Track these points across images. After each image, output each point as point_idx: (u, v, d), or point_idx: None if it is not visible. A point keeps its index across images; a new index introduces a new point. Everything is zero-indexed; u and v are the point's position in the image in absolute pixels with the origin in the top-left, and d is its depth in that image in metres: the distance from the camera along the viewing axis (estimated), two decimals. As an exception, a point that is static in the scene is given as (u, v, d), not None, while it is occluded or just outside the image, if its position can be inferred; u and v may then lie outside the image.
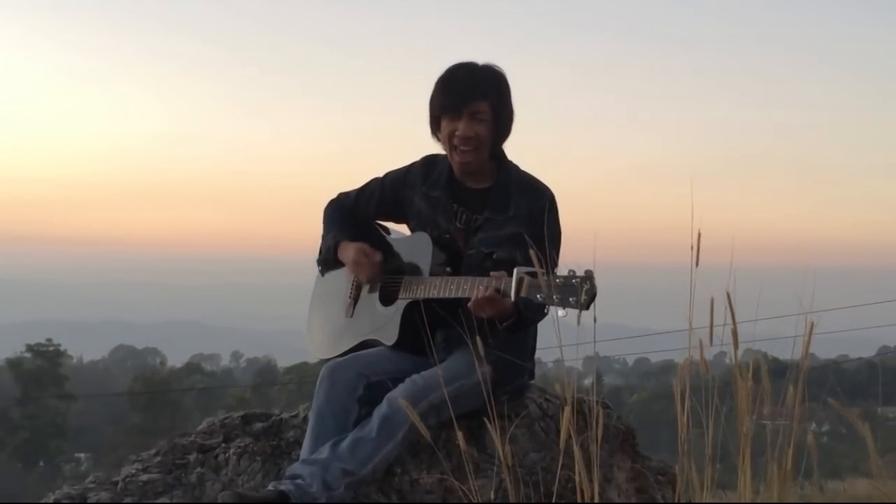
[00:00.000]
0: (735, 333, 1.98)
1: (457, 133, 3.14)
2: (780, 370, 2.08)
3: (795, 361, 2.08)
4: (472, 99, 3.12)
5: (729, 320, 2.03)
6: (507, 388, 3.21)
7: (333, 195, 3.55)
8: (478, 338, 2.43)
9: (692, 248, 2.01)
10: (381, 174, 3.47)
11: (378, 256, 3.30)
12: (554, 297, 2.67)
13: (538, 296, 2.72)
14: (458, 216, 3.27)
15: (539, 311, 2.93)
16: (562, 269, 2.72)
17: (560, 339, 2.36)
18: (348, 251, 3.32)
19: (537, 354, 3.40)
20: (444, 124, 3.17)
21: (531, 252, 2.61)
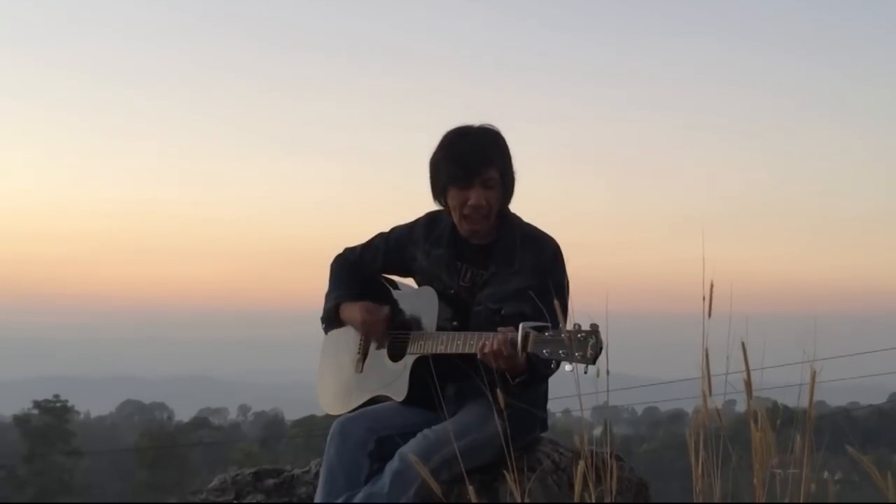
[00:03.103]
0: (748, 383, 1.98)
1: (469, 203, 3.10)
2: (788, 418, 2.08)
3: (803, 409, 2.08)
4: (483, 167, 3.09)
5: (734, 369, 2.03)
6: (520, 441, 3.20)
7: (339, 250, 3.56)
8: (497, 390, 2.42)
9: (704, 298, 2.01)
10: (386, 229, 3.48)
11: (385, 310, 3.31)
12: (560, 352, 2.67)
13: (544, 351, 2.71)
14: (463, 274, 3.26)
15: (548, 367, 2.91)
16: (570, 321, 2.72)
17: (579, 388, 2.36)
18: (353, 311, 3.33)
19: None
20: (454, 194, 3.14)
21: (539, 306, 2.62)
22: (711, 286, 2.00)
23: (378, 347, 3.35)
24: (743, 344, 1.96)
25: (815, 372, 1.95)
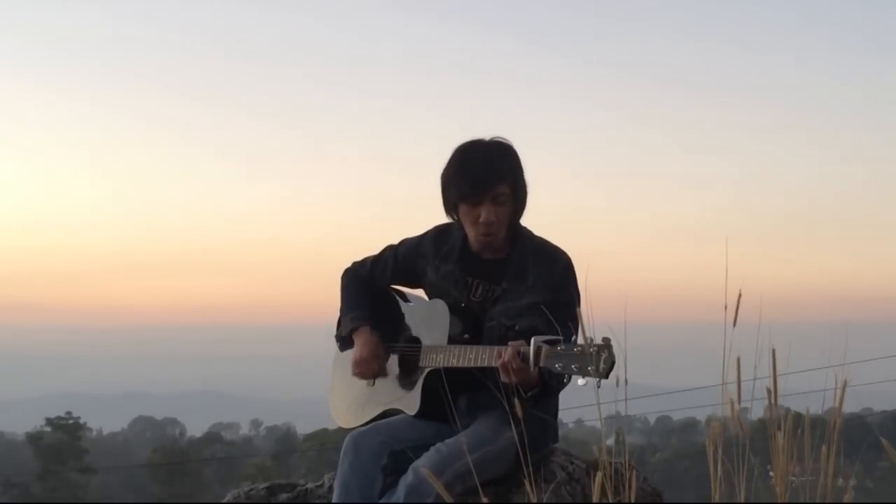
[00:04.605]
0: (771, 390, 1.96)
1: (481, 220, 3.08)
2: (807, 425, 2.06)
3: (820, 416, 2.06)
4: (493, 184, 3.06)
5: (750, 376, 2.01)
6: (534, 453, 3.17)
7: (348, 263, 3.54)
8: (515, 399, 2.40)
9: (726, 307, 1.99)
10: (395, 241, 3.47)
11: (382, 357, 3.30)
12: (572, 366, 2.65)
13: (556, 365, 2.69)
14: (474, 289, 3.24)
15: (560, 381, 2.88)
16: (586, 332, 2.69)
17: (597, 398, 2.34)
18: (359, 345, 3.31)
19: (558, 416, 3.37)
20: (465, 210, 3.11)
21: (553, 322, 2.60)
22: (739, 296, 1.98)
23: (389, 359, 3.34)
24: (773, 351, 1.95)
25: (846, 381, 1.93)
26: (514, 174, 3.14)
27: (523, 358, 2.78)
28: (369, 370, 3.29)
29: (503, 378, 2.83)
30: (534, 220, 3.30)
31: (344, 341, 3.44)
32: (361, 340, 3.31)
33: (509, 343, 2.85)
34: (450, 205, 3.19)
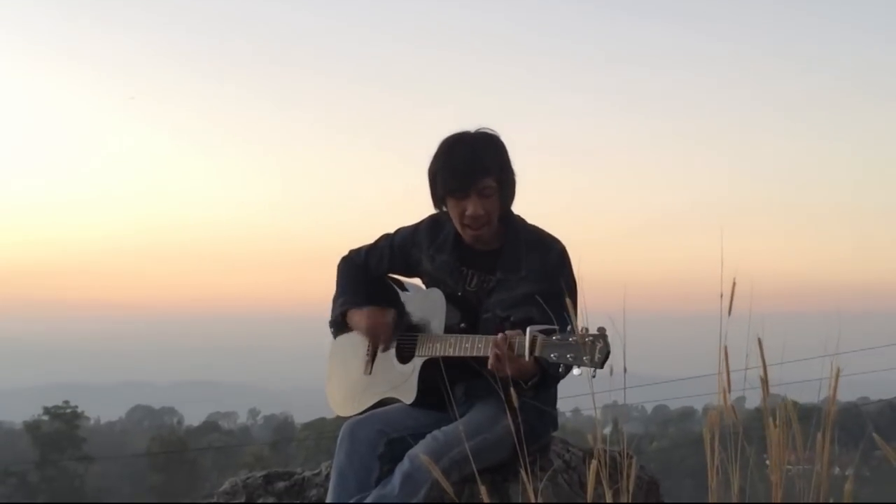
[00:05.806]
0: (764, 379, 1.96)
1: (467, 213, 3.09)
2: (802, 414, 2.07)
3: (816, 405, 2.06)
4: (479, 177, 3.06)
5: (748, 365, 2.01)
6: (533, 442, 3.17)
7: (345, 251, 3.55)
8: (512, 388, 2.39)
9: (722, 296, 1.99)
10: (391, 230, 3.47)
11: (390, 314, 3.29)
12: (568, 355, 2.65)
13: (552, 355, 2.69)
14: (469, 279, 3.24)
15: (557, 370, 2.83)
16: (583, 321, 2.68)
17: (593, 387, 2.34)
18: (360, 318, 3.32)
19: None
20: (452, 204, 3.12)
21: (547, 311, 2.59)
22: (734, 284, 1.98)
23: (385, 350, 3.34)
24: (759, 340, 1.95)
25: (838, 369, 1.93)
26: (500, 166, 3.13)
27: (518, 352, 2.77)
28: (385, 332, 3.28)
29: (499, 372, 2.82)
30: (531, 208, 3.30)
31: (337, 326, 3.44)
32: (361, 314, 3.32)
33: (505, 332, 2.84)
34: (437, 199, 3.19)
